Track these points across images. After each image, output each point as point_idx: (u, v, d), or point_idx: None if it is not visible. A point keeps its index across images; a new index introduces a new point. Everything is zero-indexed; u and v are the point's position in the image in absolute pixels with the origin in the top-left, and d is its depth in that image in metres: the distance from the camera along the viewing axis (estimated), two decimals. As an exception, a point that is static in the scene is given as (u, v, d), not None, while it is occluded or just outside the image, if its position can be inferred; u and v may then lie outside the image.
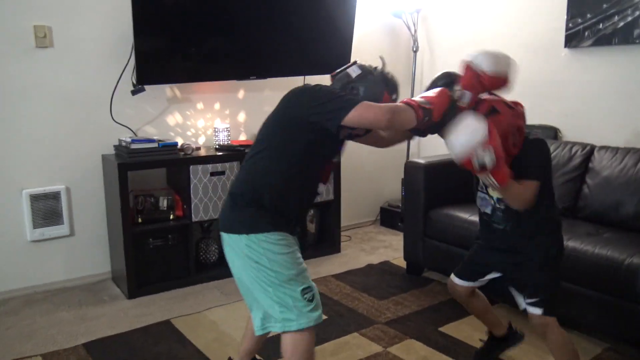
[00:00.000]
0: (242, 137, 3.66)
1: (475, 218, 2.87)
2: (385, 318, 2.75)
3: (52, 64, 2.94)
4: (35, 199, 3.00)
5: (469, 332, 2.58)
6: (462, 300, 2.26)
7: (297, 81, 3.72)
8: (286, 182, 1.75)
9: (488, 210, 2.03)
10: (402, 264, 3.40)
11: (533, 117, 3.42)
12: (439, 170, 3.15)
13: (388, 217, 4.30)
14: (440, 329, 2.63)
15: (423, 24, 4.20)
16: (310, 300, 1.72)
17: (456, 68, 1.91)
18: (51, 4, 2.91)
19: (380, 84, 1.82)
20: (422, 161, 3.16)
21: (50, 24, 2.90)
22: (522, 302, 2.02)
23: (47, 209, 3.05)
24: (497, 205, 1.99)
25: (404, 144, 4.33)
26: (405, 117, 1.69)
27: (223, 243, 1.83)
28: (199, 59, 3.23)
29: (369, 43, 4.05)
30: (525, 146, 1.90)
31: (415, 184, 3.14)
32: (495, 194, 1.98)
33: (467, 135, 1.72)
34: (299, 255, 1.79)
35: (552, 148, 3.10)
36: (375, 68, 1.87)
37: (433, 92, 1.79)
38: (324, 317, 2.75)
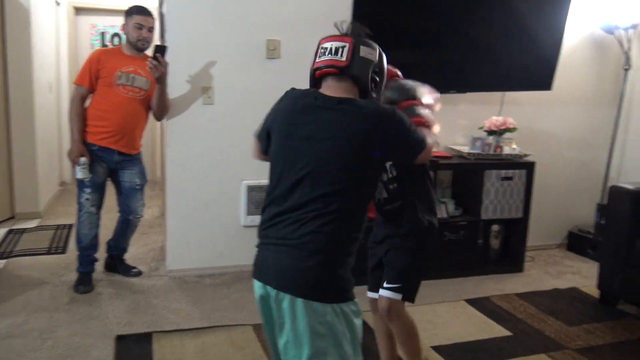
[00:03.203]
0: (434, 148, 3.77)
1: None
2: (575, 345, 2.67)
3: (279, 73, 3.32)
4: (251, 189, 3.44)
5: (675, 375, 2.41)
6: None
7: (494, 96, 3.74)
8: None
9: (384, 195, 2.01)
10: (593, 292, 3.24)
11: None
12: (648, 198, 2.96)
13: (577, 243, 4.09)
14: (641, 366, 2.50)
15: (638, 41, 3.93)
16: None
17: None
18: (282, 21, 3.31)
19: None
20: (630, 186, 2.98)
21: (280, 38, 3.31)
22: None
23: (259, 198, 3.47)
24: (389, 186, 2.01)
25: (602, 167, 4.09)
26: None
27: None
28: (406, 70, 3.42)
29: (572, 59, 3.90)
30: None
31: (620, 210, 2.98)
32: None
33: None
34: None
35: None
36: None
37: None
38: (509, 333, 2.76)
